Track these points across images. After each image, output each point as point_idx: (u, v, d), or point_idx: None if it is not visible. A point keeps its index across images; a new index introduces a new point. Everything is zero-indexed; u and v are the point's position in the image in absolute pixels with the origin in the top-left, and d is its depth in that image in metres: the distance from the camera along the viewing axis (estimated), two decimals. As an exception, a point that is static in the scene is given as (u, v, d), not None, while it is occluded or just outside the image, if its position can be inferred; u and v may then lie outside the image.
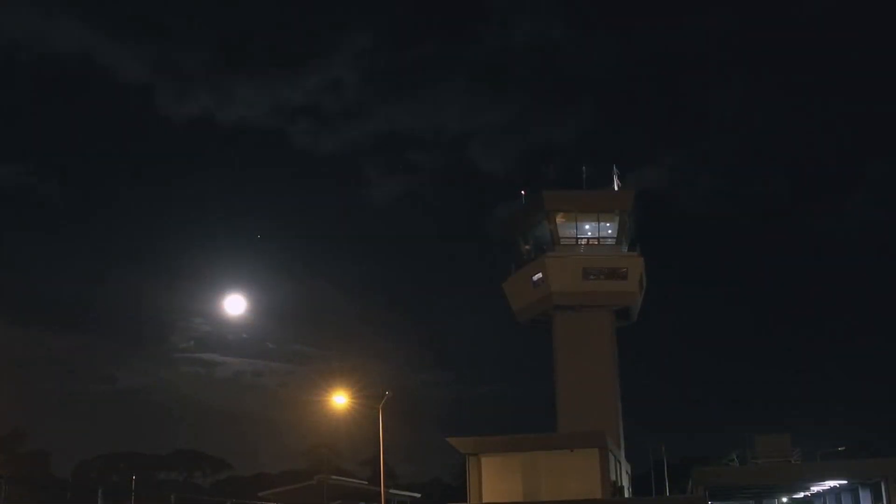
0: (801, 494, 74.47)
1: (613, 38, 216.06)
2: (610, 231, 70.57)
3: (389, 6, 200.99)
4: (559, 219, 70.57)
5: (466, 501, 54.79)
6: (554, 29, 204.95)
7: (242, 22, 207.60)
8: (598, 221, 70.85)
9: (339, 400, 53.07)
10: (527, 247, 72.99)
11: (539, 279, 70.03)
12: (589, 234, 71.07)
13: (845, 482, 63.03)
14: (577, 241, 70.53)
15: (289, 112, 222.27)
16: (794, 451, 61.41)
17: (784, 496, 76.34)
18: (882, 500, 56.53)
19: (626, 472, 67.88)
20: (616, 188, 73.00)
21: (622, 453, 66.25)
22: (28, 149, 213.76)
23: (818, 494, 72.06)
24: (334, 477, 77.64)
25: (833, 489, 67.45)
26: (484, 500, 53.90)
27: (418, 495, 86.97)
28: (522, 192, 74.21)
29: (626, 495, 62.99)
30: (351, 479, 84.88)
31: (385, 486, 54.23)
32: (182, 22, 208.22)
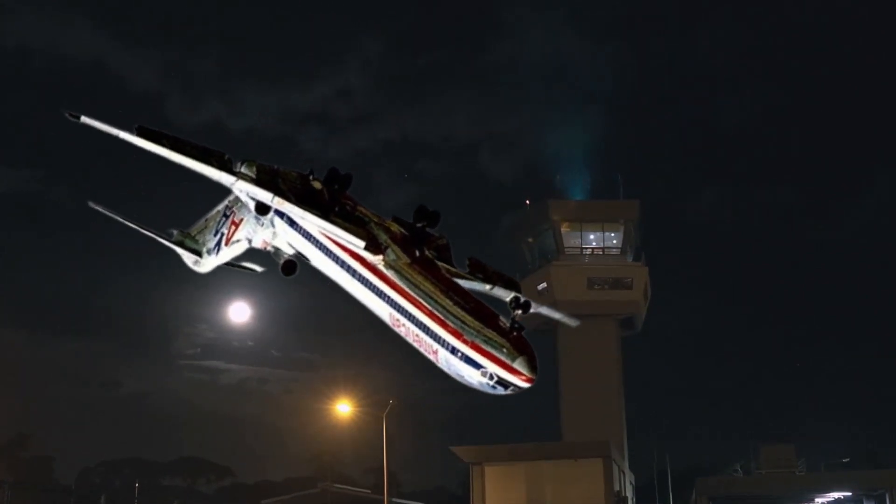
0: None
1: (621, 48, 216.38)
2: (615, 241, 70.58)
3: (399, 14, 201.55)
4: (564, 228, 70.57)
5: (470, 510, 54.68)
6: (562, 39, 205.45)
7: (253, 30, 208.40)
8: (603, 231, 70.88)
9: (344, 408, 53.14)
10: (532, 255, 72.97)
11: (544, 288, 70.03)
12: (594, 243, 71.07)
13: (849, 493, 62.80)
14: (581, 251, 70.53)
15: (298, 119, 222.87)
16: (799, 462, 61.23)
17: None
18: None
19: (630, 483, 67.70)
20: (621, 198, 72.99)
21: (626, 463, 66.10)
22: (38, 154, 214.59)
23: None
24: (337, 485, 77.58)
25: (838, 500, 67.18)
26: (487, 510, 53.76)
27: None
28: (527, 201, 74.24)
29: (630, 505, 62.78)
30: (354, 488, 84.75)
31: (388, 495, 54.19)
32: (193, 30, 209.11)
